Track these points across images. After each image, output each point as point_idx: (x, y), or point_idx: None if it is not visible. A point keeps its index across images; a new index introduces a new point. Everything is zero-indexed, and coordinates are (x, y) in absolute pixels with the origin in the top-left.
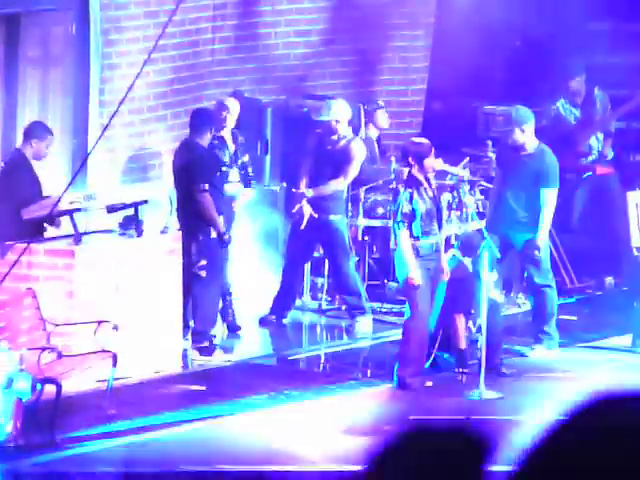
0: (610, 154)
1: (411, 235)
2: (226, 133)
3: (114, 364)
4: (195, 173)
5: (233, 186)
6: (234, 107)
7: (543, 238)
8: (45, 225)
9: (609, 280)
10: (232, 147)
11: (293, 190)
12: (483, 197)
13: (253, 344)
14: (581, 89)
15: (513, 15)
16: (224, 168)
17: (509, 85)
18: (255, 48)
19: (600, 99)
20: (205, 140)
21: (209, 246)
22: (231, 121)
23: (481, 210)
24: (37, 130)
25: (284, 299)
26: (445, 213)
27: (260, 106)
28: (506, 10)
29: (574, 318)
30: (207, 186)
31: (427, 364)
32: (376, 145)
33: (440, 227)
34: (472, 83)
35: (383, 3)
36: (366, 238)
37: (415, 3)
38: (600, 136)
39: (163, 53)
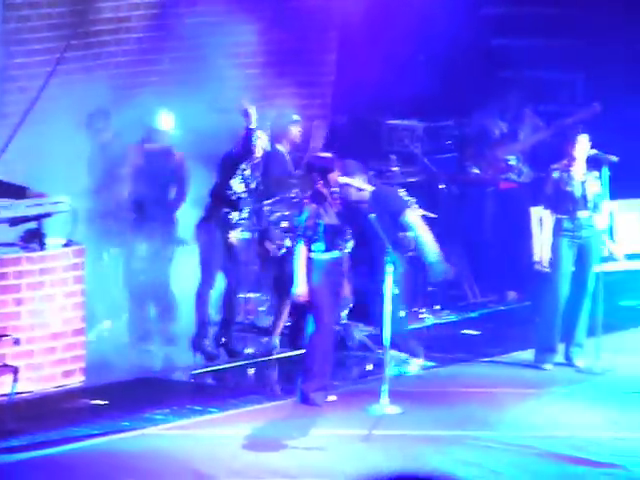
0: (525, 170)
1: (311, 250)
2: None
3: (15, 379)
4: None
5: None
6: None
7: None
8: None
9: (512, 295)
10: None
11: None
12: None
13: (157, 358)
14: (512, 104)
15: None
16: None
17: (414, 99)
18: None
19: (529, 118)
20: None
21: None
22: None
23: None
24: None
25: None
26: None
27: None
28: (418, 23)
29: (477, 333)
30: None
31: None
32: (289, 158)
33: (345, 241)
34: (376, 97)
35: (290, 16)
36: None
37: (321, 17)
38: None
39: (66, 65)
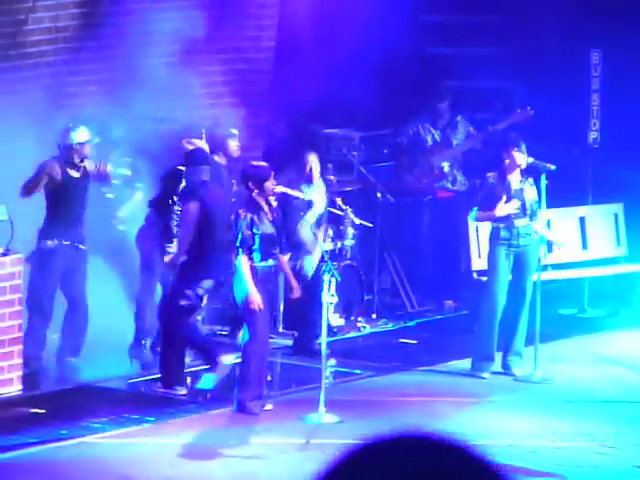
0: (459, 177)
1: (251, 259)
2: None
3: None
4: None
5: None
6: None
7: None
8: None
9: (449, 304)
10: None
11: None
12: None
13: (95, 367)
14: (444, 112)
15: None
16: None
17: (351, 108)
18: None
19: (462, 125)
20: None
21: None
22: None
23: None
24: None
25: None
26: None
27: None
28: (357, 31)
29: (415, 342)
30: None
31: None
32: (225, 171)
33: (282, 250)
34: (313, 106)
35: (226, 25)
36: None
37: (257, 27)
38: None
39: (4, 75)
